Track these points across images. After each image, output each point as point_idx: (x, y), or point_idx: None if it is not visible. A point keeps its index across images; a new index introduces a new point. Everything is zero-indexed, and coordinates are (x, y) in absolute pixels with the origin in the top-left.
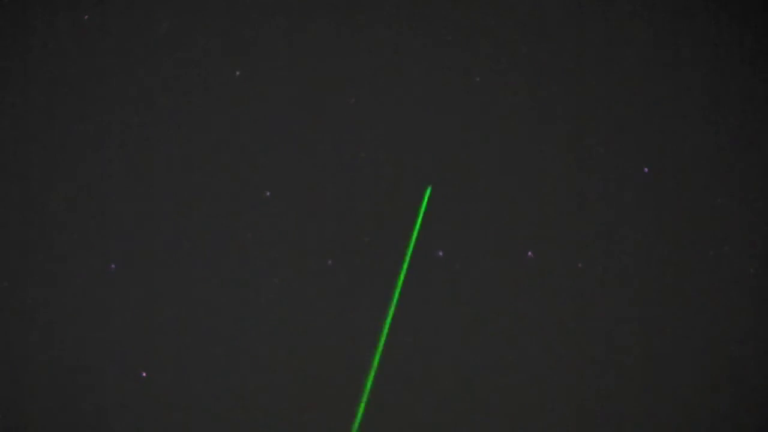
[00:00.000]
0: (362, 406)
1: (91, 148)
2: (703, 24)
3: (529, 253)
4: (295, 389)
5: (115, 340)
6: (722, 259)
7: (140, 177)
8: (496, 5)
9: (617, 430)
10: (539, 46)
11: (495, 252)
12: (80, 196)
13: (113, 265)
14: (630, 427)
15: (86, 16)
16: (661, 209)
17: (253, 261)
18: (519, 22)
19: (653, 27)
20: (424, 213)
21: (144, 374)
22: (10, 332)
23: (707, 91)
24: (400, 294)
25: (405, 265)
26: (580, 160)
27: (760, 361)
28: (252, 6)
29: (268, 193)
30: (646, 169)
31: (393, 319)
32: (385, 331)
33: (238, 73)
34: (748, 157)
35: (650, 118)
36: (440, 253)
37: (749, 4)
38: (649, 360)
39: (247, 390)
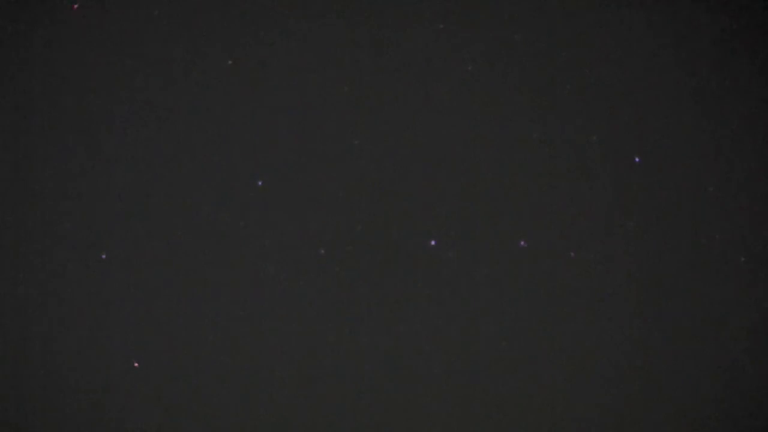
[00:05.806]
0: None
1: (82, 138)
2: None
3: (522, 242)
4: (289, 376)
5: (107, 330)
6: (713, 248)
7: (132, 166)
8: None
9: (612, 418)
10: (531, 36)
11: (487, 241)
12: (71, 185)
13: (104, 255)
14: (625, 415)
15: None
16: (652, 198)
17: (246, 250)
18: (512, 12)
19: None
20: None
21: (136, 364)
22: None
23: (699, 79)
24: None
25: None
26: (572, 150)
27: (753, 347)
28: None
29: (260, 183)
30: (637, 159)
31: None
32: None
33: (230, 62)
34: (739, 146)
35: (641, 108)
36: (433, 242)
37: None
38: (642, 348)
39: (240, 376)
